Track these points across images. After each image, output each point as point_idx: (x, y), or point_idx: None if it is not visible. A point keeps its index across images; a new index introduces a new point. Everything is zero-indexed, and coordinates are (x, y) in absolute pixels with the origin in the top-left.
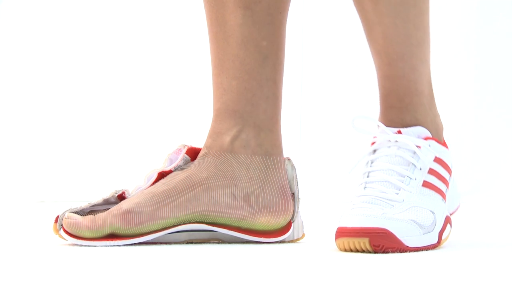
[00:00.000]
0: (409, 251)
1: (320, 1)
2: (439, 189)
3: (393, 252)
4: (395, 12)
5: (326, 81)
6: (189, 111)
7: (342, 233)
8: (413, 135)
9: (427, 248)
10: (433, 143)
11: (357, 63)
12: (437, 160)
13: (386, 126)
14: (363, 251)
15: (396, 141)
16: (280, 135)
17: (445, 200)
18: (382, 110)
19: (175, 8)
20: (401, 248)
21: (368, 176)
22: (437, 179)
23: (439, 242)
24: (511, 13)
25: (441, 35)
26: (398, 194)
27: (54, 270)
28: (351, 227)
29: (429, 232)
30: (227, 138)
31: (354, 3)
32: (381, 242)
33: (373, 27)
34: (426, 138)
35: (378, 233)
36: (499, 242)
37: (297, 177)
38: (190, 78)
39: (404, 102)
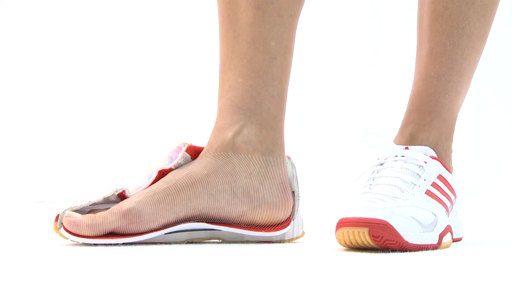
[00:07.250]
0: (409, 248)
1: (320, 1)
2: (442, 201)
3: (392, 247)
4: (448, 33)
5: (326, 81)
6: (189, 109)
7: (342, 223)
8: (420, 152)
9: (426, 247)
10: (438, 164)
11: (356, 63)
12: (441, 178)
13: (396, 143)
14: (363, 245)
15: (403, 156)
16: (283, 134)
17: (448, 213)
18: (401, 126)
19: (176, 7)
20: (400, 242)
21: (373, 180)
22: (440, 193)
23: (439, 243)
24: (511, 13)
25: None
26: (401, 194)
27: (54, 270)
28: (352, 217)
29: (429, 232)
30: (229, 134)
31: (418, 23)
32: (380, 233)
33: (423, 45)
34: (432, 157)
35: (378, 224)
36: (499, 242)
37: (297, 175)
38: (190, 77)
39: (424, 120)
